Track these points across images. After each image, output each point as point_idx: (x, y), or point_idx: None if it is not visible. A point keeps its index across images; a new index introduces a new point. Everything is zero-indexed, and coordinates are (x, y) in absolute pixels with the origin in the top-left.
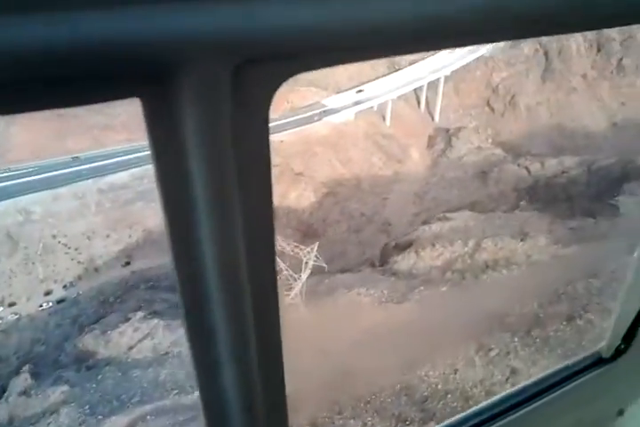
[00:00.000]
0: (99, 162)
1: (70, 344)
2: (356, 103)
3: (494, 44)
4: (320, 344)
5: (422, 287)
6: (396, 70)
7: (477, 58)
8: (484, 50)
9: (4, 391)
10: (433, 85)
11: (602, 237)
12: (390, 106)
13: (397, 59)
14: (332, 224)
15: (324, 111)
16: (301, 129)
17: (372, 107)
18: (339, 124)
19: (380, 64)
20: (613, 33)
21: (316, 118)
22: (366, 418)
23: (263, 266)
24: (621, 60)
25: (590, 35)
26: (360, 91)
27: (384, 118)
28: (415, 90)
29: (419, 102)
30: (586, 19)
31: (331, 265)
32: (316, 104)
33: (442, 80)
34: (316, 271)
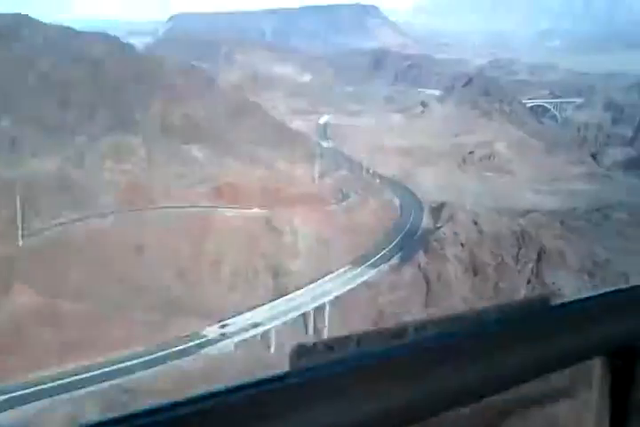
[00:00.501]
0: None
1: None
2: (237, 332)
3: (378, 269)
4: None
5: None
6: (282, 296)
7: (362, 282)
8: (368, 274)
9: None
10: (321, 310)
11: None
12: (275, 333)
13: (284, 283)
14: None
15: (201, 343)
16: (170, 365)
17: (255, 335)
18: (216, 357)
19: (267, 289)
20: (487, 258)
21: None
22: None
23: None
24: (497, 283)
25: (466, 260)
26: (224, 325)
27: (269, 347)
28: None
29: (306, 328)
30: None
31: None
32: (194, 334)
33: (327, 305)
34: None
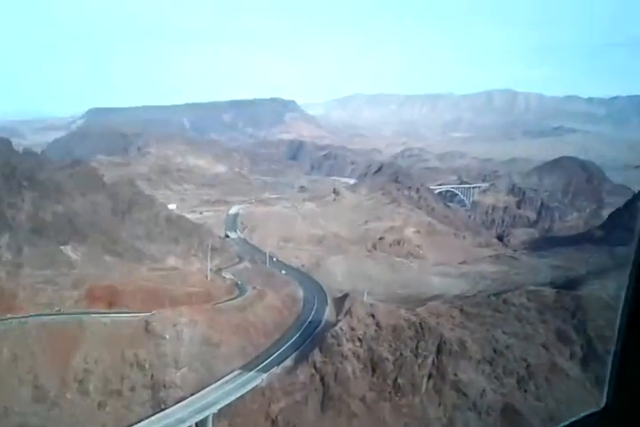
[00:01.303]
0: None
1: None
2: None
3: (270, 372)
4: None
5: None
6: (161, 411)
7: (252, 389)
8: (259, 379)
9: None
10: (205, 424)
11: None
12: None
13: (164, 397)
14: None
15: None
16: None
17: None
18: None
19: (144, 406)
20: (386, 353)
21: None
22: None
23: None
24: (396, 379)
25: (364, 356)
26: None
27: None
28: None
29: None
30: None
31: None
32: None
33: (211, 418)
34: None
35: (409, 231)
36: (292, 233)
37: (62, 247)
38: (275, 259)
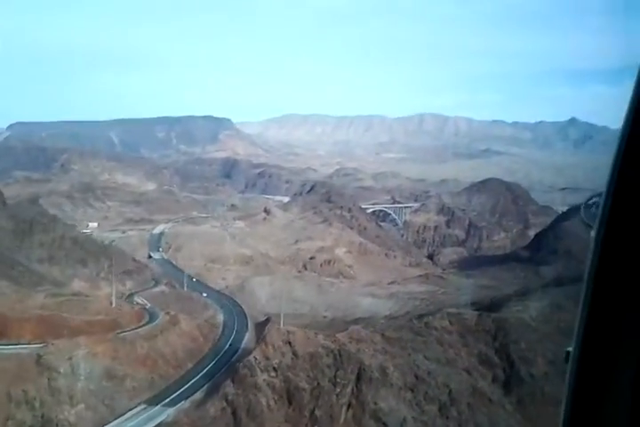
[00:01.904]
0: None
1: None
2: None
3: (178, 406)
4: None
5: None
6: None
7: (158, 424)
8: (164, 415)
9: None
10: None
11: None
12: None
13: None
14: None
15: None
16: None
17: None
18: None
19: None
20: (302, 383)
21: None
22: None
23: None
24: (314, 410)
25: (280, 387)
26: None
27: None
28: None
29: None
30: None
31: None
32: None
33: None
34: None
35: (340, 251)
36: (219, 253)
37: None
38: (194, 279)
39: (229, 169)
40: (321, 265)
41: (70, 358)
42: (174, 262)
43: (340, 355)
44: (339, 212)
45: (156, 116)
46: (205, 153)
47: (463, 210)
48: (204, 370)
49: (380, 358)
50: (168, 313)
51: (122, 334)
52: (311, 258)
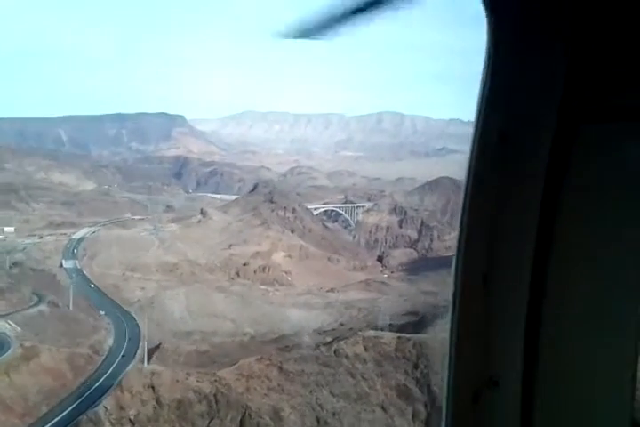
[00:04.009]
0: None
1: None
2: None
3: None
4: None
5: None
6: None
7: None
8: None
9: None
10: None
11: None
12: None
13: None
14: None
15: None
16: None
17: None
18: None
19: None
20: None
21: None
22: None
23: None
24: None
25: None
26: None
27: None
28: None
29: None
30: None
31: None
32: None
33: None
34: None
35: (278, 256)
36: (141, 260)
37: None
38: (92, 285)
39: (180, 168)
40: (255, 272)
41: None
42: (86, 272)
43: (217, 400)
44: (281, 213)
45: (107, 112)
46: (157, 151)
47: (416, 209)
48: (55, 419)
49: (275, 398)
50: (22, 345)
51: None
52: (244, 264)
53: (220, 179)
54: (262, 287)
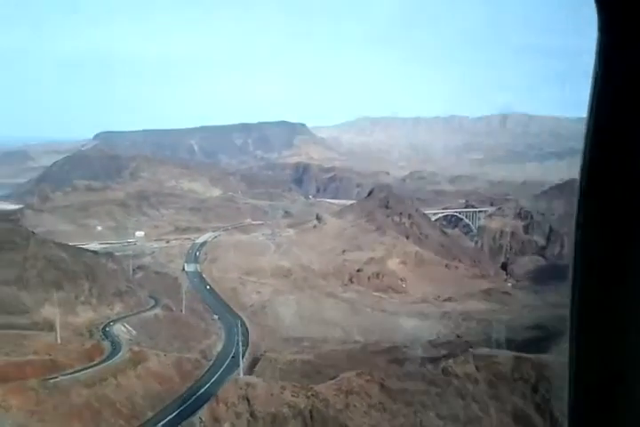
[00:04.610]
0: None
1: None
2: None
3: None
4: None
5: None
6: None
7: None
8: None
9: None
10: None
11: None
12: None
13: None
14: None
15: None
16: None
17: None
18: None
19: None
20: None
21: None
22: None
23: None
24: None
25: None
26: None
27: None
28: None
29: None
30: None
31: None
32: None
33: None
34: None
35: (392, 262)
36: (257, 265)
37: None
38: (208, 287)
39: (300, 174)
40: (368, 278)
41: None
42: (205, 275)
43: (313, 417)
44: (396, 218)
45: (233, 123)
46: (282, 158)
47: (543, 214)
48: (158, 424)
49: (376, 417)
50: (131, 349)
51: (52, 381)
52: (358, 270)
53: (339, 184)
54: (376, 294)
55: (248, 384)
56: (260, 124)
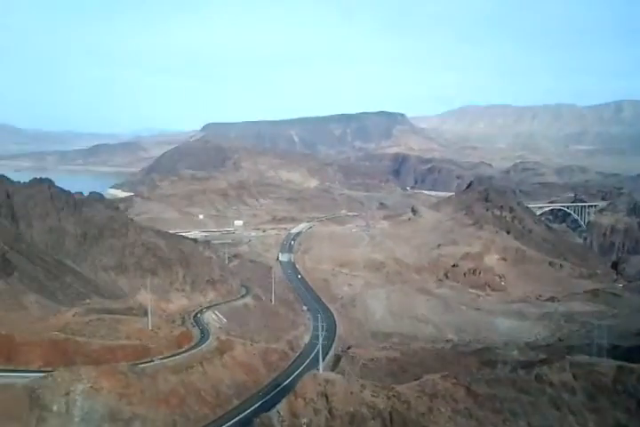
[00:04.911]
0: None
1: None
2: None
3: None
4: None
5: None
6: None
7: None
8: None
9: None
10: None
11: None
12: None
13: None
14: None
15: None
16: None
17: None
18: None
19: None
20: None
21: None
22: None
23: None
24: None
25: None
26: None
27: None
28: None
29: None
30: None
31: None
32: None
33: None
34: None
35: (490, 258)
36: (350, 257)
37: None
38: (299, 276)
39: (398, 165)
40: (464, 274)
41: (67, 394)
42: (298, 266)
43: (393, 419)
44: (497, 212)
45: (331, 113)
46: (380, 149)
47: None
48: (241, 414)
49: (461, 423)
50: (219, 337)
51: (142, 365)
52: (453, 266)
53: (438, 175)
54: (472, 291)
55: (327, 380)
56: (359, 114)
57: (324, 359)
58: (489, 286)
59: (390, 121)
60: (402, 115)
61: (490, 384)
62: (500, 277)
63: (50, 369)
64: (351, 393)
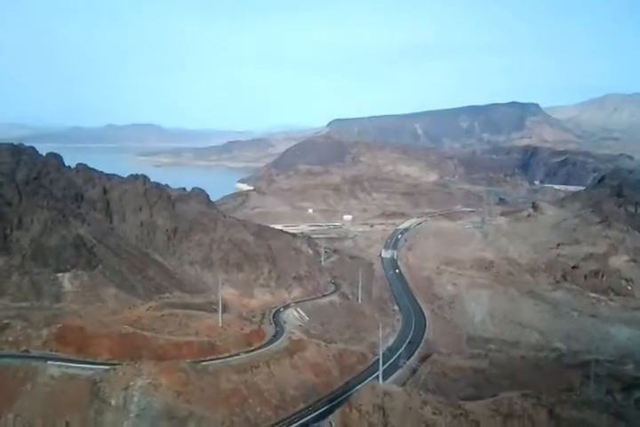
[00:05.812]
0: None
1: None
2: None
3: None
4: None
5: None
6: None
7: None
8: None
9: None
10: None
11: None
12: None
13: None
14: None
15: None
16: None
17: None
18: None
19: None
20: None
21: None
22: None
23: None
24: None
25: None
26: None
27: None
28: None
29: None
30: None
31: None
32: None
33: None
34: None
35: (618, 260)
36: (457, 255)
37: (60, 275)
38: (397, 270)
39: (528, 158)
40: (585, 277)
41: (126, 389)
42: (400, 263)
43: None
44: (630, 209)
45: (460, 105)
46: (508, 141)
47: None
48: (304, 418)
49: None
50: (291, 337)
51: (203, 363)
52: (574, 267)
53: (572, 169)
54: (592, 295)
55: (386, 393)
56: (489, 105)
57: (403, 365)
58: (613, 290)
59: (523, 112)
60: (536, 105)
61: (578, 407)
62: (627, 281)
63: (115, 362)
64: (410, 408)
